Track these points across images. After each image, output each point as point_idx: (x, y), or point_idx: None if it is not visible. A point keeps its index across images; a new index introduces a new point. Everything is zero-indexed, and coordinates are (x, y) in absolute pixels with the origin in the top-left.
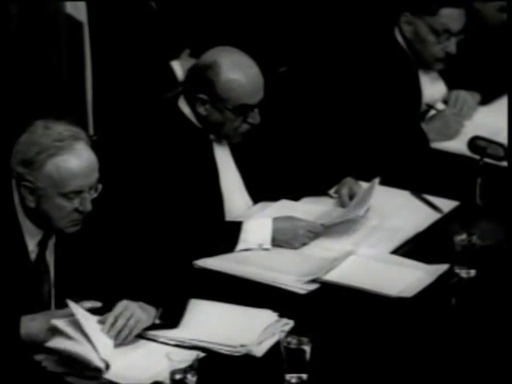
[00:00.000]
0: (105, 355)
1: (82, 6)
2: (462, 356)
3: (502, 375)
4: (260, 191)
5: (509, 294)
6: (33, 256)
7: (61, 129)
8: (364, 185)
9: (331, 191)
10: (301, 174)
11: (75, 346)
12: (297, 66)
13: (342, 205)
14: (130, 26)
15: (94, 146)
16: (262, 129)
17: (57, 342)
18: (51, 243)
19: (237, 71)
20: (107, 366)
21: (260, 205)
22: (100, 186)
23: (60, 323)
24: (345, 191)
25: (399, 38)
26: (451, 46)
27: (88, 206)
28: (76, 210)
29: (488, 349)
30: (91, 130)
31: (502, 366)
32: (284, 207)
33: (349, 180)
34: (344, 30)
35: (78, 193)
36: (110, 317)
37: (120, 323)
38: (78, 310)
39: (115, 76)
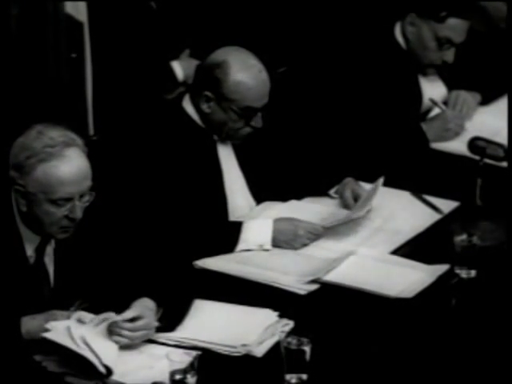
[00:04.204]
0: (108, 362)
1: (82, 5)
2: (462, 356)
3: (502, 375)
4: (262, 191)
5: (509, 294)
6: (31, 261)
7: (54, 134)
8: (364, 185)
9: (331, 192)
10: (302, 174)
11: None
12: (296, 66)
13: (346, 206)
14: (130, 26)
15: (94, 146)
16: (264, 129)
17: (57, 336)
18: (50, 249)
19: (245, 73)
20: (110, 372)
21: (264, 204)
22: (93, 194)
23: (52, 336)
24: (348, 193)
25: (399, 38)
26: (450, 55)
27: (78, 214)
28: (66, 216)
29: (488, 349)
30: (91, 130)
31: (502, 365)
32: (289, 208)
33: (349, 181)
34: (343, 29)
35: (68, 200)
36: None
37: (137, 335)
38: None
39: (115, 76)
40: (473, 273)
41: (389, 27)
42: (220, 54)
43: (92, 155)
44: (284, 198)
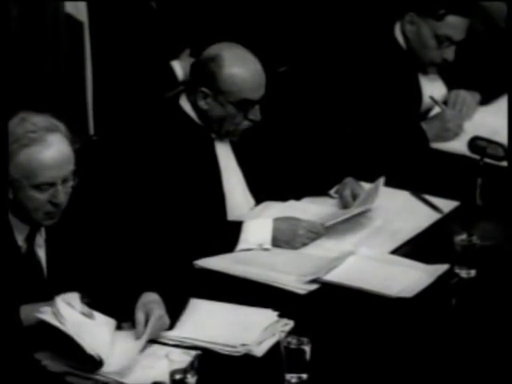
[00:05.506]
0: (99, 350)
1: (82, 6)
2: (462, 356)
3: (502, 375)
4: (262, 190)
5: (509, 293)
6: (22, 251)
7: (36, 120)
8: (365, 185)
9: (331, 191)
10: (302, 173)
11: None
12: (297, 65)
13: (346, 206)
14: (130, 26)
15: (94, 146)
16: (263, 127)
17: (50, 318)
18: (41, 240)
19: (240, 65)
20: (101, 362)
21: (263, 204)
22: (76, 180)
23: (46, 317)
24: (347, 192)
25: (399, 37)
26: (450, 53)
27: (61, 199)
28: (50, 202)
29: (488, 349)
30: (91, 130)
31: (502, 365)
32: (289, 208)
33: (350, 180)
34: (344, 29)
35: (51, 185)
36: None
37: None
38: (73, 310)
39: (115, 76)
40: (473, 272)
41: (388, 27)
42: (213, 49)
43: (92, 155)
44: (283, 196)
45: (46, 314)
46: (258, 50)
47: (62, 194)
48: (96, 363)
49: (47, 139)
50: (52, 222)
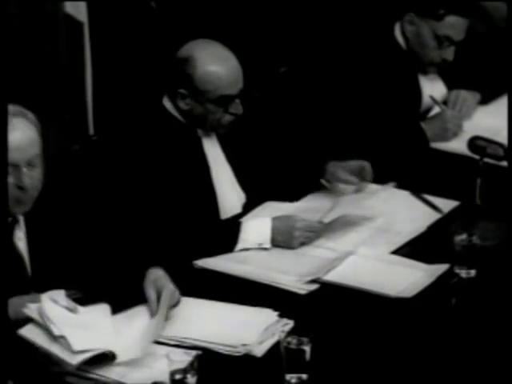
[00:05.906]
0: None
1: (82, 6)
2: (461, 356)
3: (502, 375)
4: (252, 184)
5: (509, 294)
6: None
7: None
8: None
9: (323, 180)
10: (296, 169)
11: (48, 342)
12: (297, 66)
13: (353, 173)
14: (130, 26)
15: (94, 146)
16: (251, 122)
17: (30, 332)
18: (21, 232)
19: (213, 63)
20: (113, 356)
21: (264, 204)
22: (41, 164)
23: (29, 333)
24: (344, 174)
25: (399, 38)
26: (449, 53)
27: (26, 182)
28: (16, 186)
29: (488, 349)
30: (91, 130)
31: (502, 365)
32: (290, 207)
33: (334, 164)
34: (344, 29)
35: (15, 167)
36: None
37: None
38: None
39: (115, 76)
40: (473, 272)
41: (388, 27)
42: (185, 50)
43: (92, 155)
44: (273, 190)
45: (28, 327)
46: (258, 51)
47: (27, 178)
48: (102, 356)
49: (11, 122)
50: (23, 209)
